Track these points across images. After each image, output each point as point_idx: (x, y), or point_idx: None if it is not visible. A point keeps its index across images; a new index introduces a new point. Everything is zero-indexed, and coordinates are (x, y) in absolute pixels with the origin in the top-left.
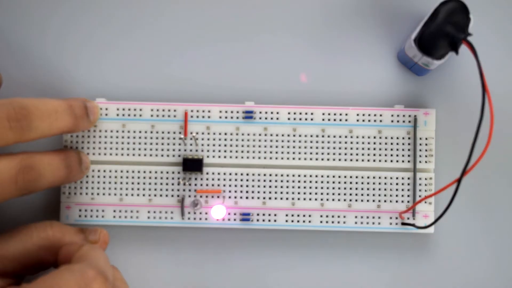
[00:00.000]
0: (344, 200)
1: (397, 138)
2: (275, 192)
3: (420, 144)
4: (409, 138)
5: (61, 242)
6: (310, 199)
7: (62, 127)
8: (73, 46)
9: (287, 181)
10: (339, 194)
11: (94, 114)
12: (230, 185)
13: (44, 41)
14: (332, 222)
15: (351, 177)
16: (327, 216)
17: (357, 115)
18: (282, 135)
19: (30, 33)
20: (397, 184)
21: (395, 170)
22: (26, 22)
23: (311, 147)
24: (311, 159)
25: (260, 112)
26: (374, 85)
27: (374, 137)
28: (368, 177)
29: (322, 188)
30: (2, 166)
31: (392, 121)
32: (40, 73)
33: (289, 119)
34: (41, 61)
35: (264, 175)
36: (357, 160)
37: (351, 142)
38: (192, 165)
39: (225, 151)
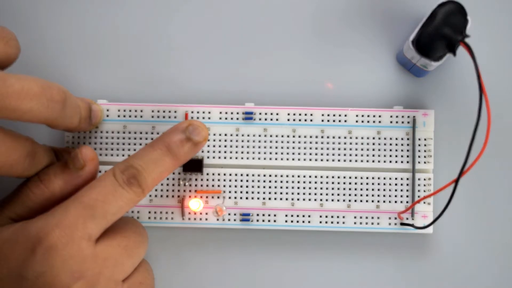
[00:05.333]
0: (344, 200)
1: (396, 139)
2: (275, 193)
3: (419, 145)
4: (408, 139)
5: None
6: (309, 200)
7: (70, 124)
8: (75, 48)
9: (287, 181)
10: (338, 194)
11: (96, 118)
12: (230, 186)
13: (46, 42)
14: (332, 222)
15: (350, 177)
16: (326, 217)
17: (356, 116)
18: (282, 136)
19: (32, 34)
20: (396, 184)
21: (394, 171)
22: (28, 23)
23: (310, 148)
24: (310, 159)
25: (260, 113)
26: (373, 86)
27: (373, 138)
28: (367, 178)
29: (321, 188)
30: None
31: (391, 122)
32: (42, 74)
33: (288, 120)
34: (43, 62)
35: (264, 175)
36: (356, 160)
37: (350, 143)
38: (192, 166)
39: (225, 151)
